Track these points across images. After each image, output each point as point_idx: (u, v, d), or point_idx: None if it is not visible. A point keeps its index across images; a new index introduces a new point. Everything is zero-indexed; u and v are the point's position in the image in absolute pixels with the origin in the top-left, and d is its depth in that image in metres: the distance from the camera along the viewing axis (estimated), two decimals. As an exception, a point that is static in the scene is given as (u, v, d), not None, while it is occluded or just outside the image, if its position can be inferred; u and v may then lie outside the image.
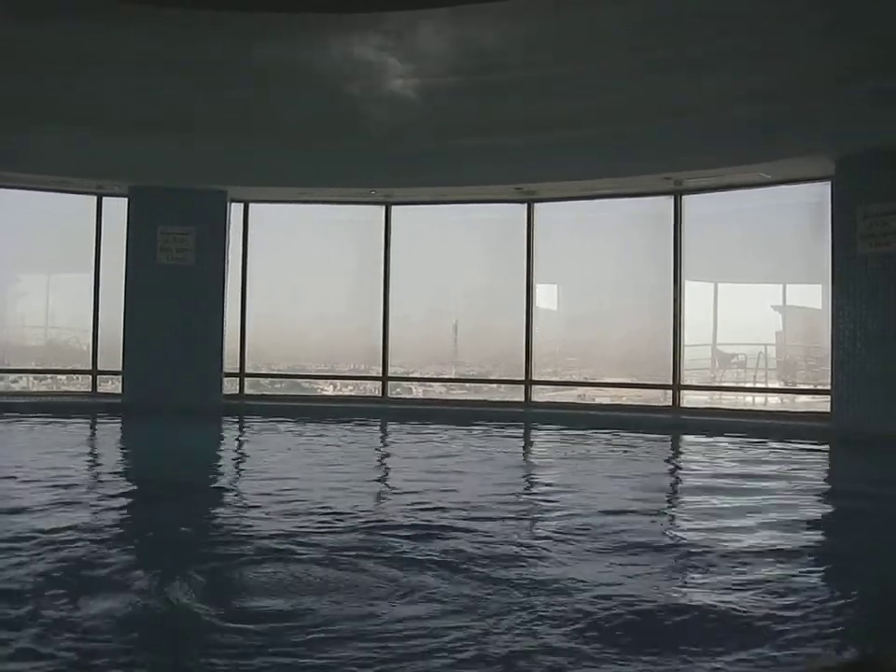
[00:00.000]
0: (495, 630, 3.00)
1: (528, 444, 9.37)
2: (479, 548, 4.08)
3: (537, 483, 6.74)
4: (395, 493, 6.04)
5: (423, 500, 5.27)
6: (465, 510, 5.00)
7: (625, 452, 8.19)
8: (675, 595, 3.53)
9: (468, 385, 12.35)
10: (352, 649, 2.82)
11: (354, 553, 3.93)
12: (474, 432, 9.44)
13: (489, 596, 3.34)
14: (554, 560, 3.94)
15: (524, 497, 5.92)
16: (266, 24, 9.63)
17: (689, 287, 10.84)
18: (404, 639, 2.90)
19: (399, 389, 12.23)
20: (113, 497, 5.45)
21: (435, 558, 3.87)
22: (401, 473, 7.02)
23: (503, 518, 4.83)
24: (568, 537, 4.35)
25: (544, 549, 4.12)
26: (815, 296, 10.38)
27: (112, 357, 11.34)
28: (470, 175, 10.59)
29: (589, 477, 6.66)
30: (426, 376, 12.39)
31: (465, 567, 3.75)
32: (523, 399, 11.42)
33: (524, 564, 3.88)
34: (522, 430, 10.02)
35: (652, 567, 3.85)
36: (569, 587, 3.48)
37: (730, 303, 11.28)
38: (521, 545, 4.22)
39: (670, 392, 10.76)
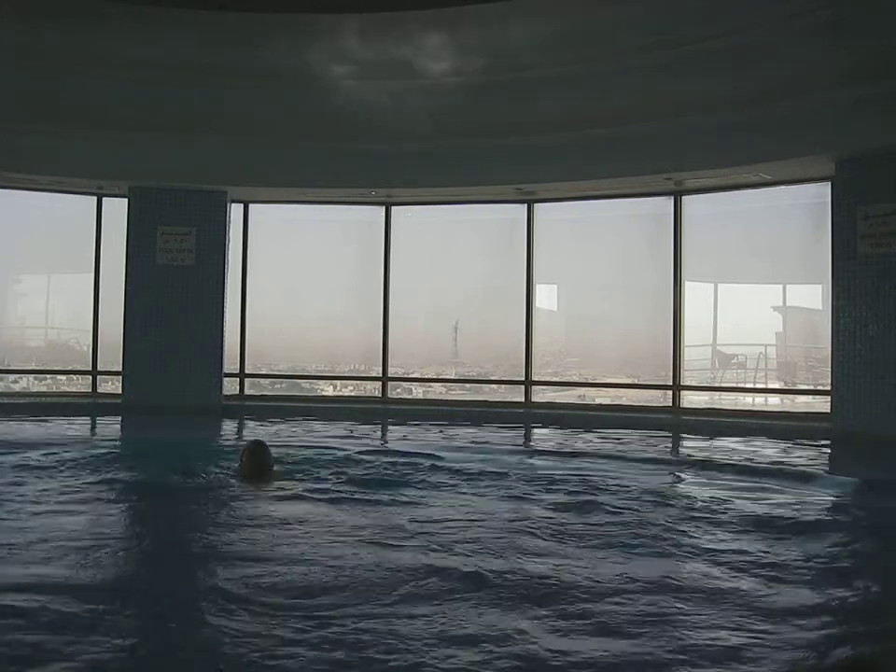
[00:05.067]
0: None
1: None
2: None
3: None
4: None
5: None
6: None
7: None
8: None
9: (468, 385, 12.33)
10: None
11: None
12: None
13: None
14: None
15: None
16: (266, 24, 9.63)
17: (689, 287, 10.83)
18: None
19: (399, 390, 12.22)
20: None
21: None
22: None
23: None
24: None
25: None
26: (815, 296, 10.37)
27: (112, 357, 11.34)
28: (470, 175, 10.59)
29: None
30: (426, 377, 12.38)
31: None
32: (523, 400, 11.41)
33: None
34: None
35: None
36: None
37: (730, 304, 11.26)
38: None
39: (670, 392, 10.76)
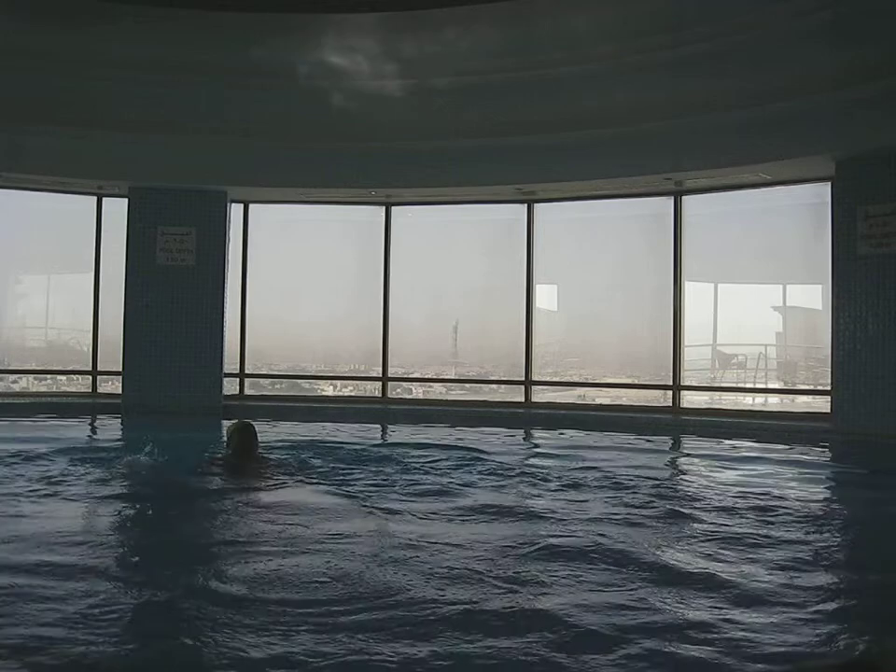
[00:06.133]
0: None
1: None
2: None
3: None
4: None
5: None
6: None
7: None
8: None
9: (467, 385, 12.33)
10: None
11: None
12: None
13: None
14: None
15: None
16: (266, 25, 9.64)
17: (689, 287, 10.83)
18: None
19: (399, 390, 12.21)
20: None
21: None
22: None
23: None
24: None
25: None
26: (815, 296, 10.37)
27: (112, 357, 11.34)
28: (470, 175, 10.58)
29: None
30: (426, 377, 12.38)
31: None
32: (523, 400, 11.41)
33: None
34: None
35: None
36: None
37: (730, 304, 11.26)
38: None
39: (670, 392, 10.75)
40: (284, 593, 3.42)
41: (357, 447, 7.61)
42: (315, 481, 5.93)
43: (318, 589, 3.47)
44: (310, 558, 3.92)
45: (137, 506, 5.38)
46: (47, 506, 5.03)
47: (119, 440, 9.26)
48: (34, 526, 4.47)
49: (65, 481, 5.74)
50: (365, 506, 5.21)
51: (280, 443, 7.60)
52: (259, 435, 6.53)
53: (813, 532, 4.74)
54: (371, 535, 4.48)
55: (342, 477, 6.10)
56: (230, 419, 10.32)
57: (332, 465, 6.56)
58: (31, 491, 5.39)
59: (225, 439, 6.58)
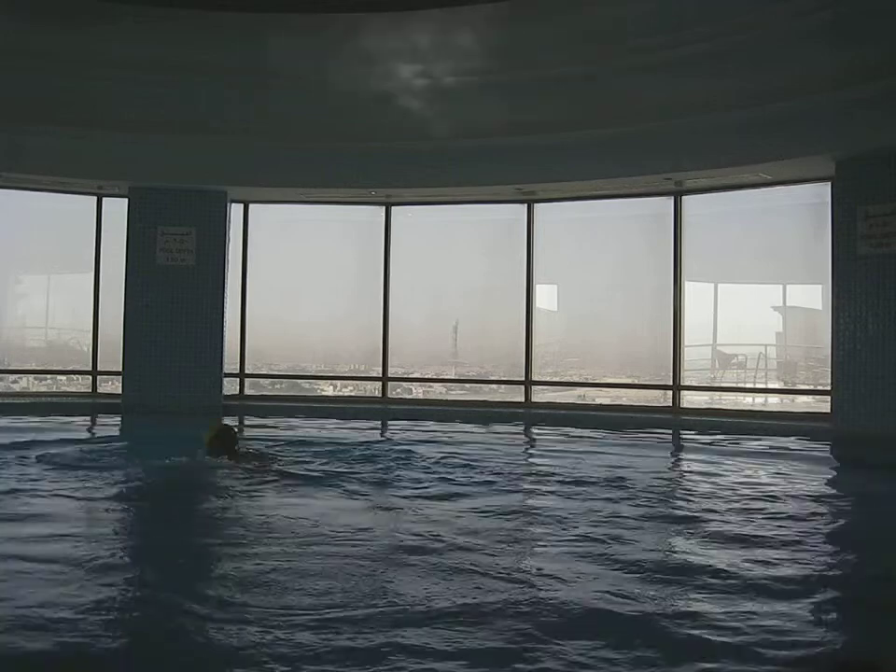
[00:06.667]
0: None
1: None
2: None
3: None
4: None
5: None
6: None
7: None
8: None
9: (467, 385, 12.33)
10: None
11: None
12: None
13: None
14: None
15: None
16: (266, 25, 9.65)
17: (689, 287, 10.83)
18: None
19: (399, 390, 12.22)
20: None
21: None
22: None
23: None
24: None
25: None
26: (815, 296, 10.38)
27: (112, 357, 11.34)
28: (470, 175, 10.59)
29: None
30: (426, 377, 12.38)
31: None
32: (523, 400, 11.41)
33: None
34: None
35: None
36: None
37: (730, 304, 11.26)
38: None
39: (670, 392, 10.76)
40: (280, 591, 3.41)
41: (356, 446, 7.62)
42: (312, 480, 5.93)
43: (314, 587, 3.46)
44: (306, 556, 3.92)
45: (134, 505, 5.39)
46: (44, 505, 5.02)
47: (118, 440, 9.25)
48: (29, 525, 4.47)
49: (62, 480, 5.75)
50: (363, 504, 5.21)
51: (279, 443, 7.61)
52: (237, 437, 6.58)
53: (812, 532, 4.74)
54: (370, 533, 4.47)
55: (340, 476, 6.09)
56: (230, 417, 10.45)
57: (331, 464, 6.57)
58: (28, 490, 5.40)
59: (206, 445, 6.50)
